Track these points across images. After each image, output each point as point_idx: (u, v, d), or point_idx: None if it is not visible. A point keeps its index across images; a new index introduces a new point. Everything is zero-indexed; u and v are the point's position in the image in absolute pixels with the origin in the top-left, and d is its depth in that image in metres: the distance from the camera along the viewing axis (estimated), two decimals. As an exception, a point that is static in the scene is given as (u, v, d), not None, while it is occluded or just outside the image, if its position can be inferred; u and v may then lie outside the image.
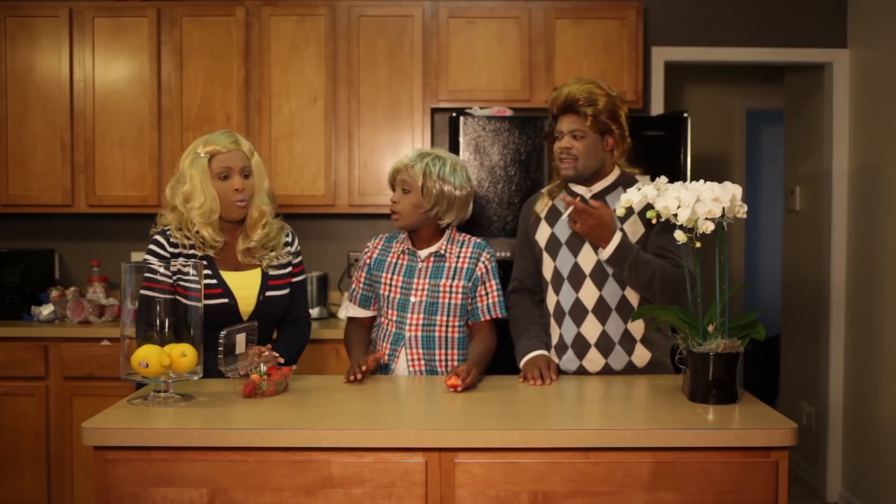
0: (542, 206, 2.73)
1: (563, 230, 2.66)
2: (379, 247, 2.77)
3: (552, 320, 2.69)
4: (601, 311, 2.61)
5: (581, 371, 2.64)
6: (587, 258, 2.62)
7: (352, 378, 2.45)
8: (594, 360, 2.62)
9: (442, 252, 2.69)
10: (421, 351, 2.66)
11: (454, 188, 2.65)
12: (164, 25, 4.14)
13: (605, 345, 2.62)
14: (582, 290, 2.62)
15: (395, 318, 2.69)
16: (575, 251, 2.64)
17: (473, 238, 2.75)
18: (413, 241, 2.73)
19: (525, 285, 2.78)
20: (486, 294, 2.70)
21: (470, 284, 2.68)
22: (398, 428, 1.97)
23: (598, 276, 2.61)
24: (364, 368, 2.45)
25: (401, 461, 1.95)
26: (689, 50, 4.47)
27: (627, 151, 2.66)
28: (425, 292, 2.66)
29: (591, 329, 2.62)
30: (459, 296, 2.67)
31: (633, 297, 2.63)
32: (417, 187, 2.63)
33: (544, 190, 2.79)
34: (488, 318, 2.70)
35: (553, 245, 2.67)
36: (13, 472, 3.91)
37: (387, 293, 2.70)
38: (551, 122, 2.68)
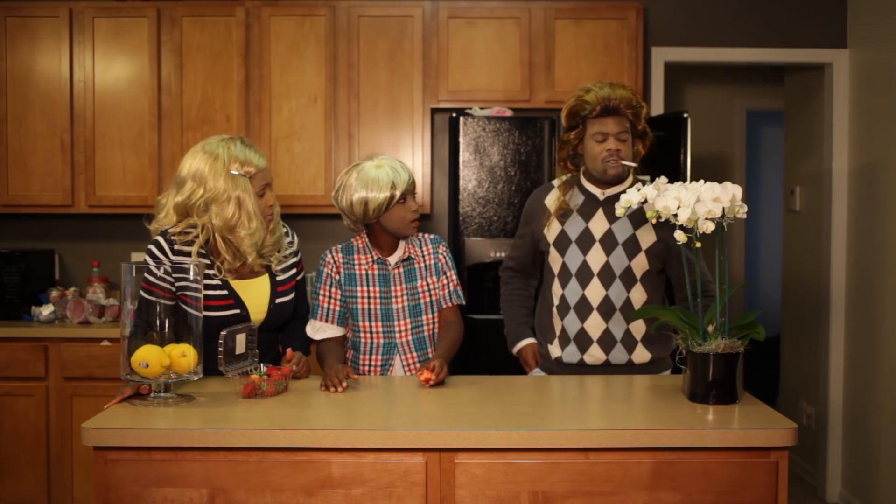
0: (553, 202, 2.76)
1: (573, 227, 2.71)
2: (341, 261, 2.70)
3: (555, 311, 2.74)
4: (605, 309, 2.67)
5: (581, 364, 2.69)
6: (596, 257, 2.68)
7: (332, 389, 2.33)
8: (595, 355, 2.69)
9: (412, 256, 2.72)
10: (415, 354, 2.68)
11: None
12: (164, 26, 4.14)
13: (607, 342, 2.68)
14: (588, 287, 2.68)
15: (380, 329, 2.67)
16: (584, 249, 2.69)
17: (426, 235, 2.80)
18: (379, 249, 2.71)
19: (522, 268, 2.93)
20: (448, 283, 2.74)
21: (439, 279, 2.74)
22: (398, 428, 1.97)
23: (606, 276, 2.67)
24: (345, 385, 2.34)
25: (401, 461, 1.95)
26: (689, 50, 4.47)
27: (647, 148, 2.75)
28: (405, 297, 2.68)
29: (595, 326, 2.68)
30: (437, 291, 2.73)
31: (637, 299, 2.66)
32: (420, 192, 2.71)
33: (554, 183, 2.81)
34: (450, 304, 2.74)
35: (563, 241, 2.71)
36: (13, 472, 3.91)
37: (366, 306, 2.67)
38: (577, 124, 2.67)
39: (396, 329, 2.67)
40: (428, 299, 2.70)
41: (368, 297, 2.67)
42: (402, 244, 2.72)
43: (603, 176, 2.66)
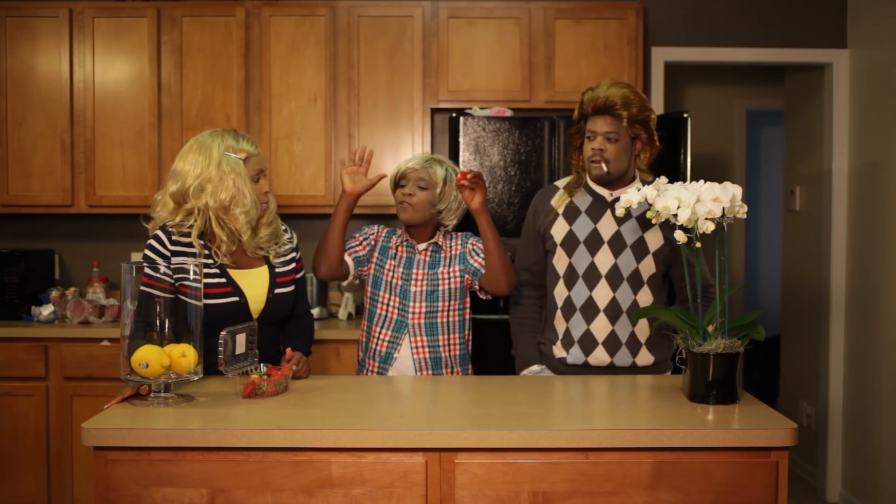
0: (559, 202, 2.76)
1: (581, 228, 2.70)
2: (382, 234, 2.89)
3: (559, 313, 2.72)
4: (612, 311, 2.66)
5: (586, 366, 2.69)
6: (604, 259, 2.67)
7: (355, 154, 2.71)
8: (600, 357, 2.68)
9: (439, 243, 2.83)
10: (425, 338, 2.76)
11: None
12: (164, 26, 4.14)
13: (612, 344, 2.67)
14: (596, 289, 2.67)
15: (397, 304, 2.79)
16: (593, 251, 2.68)
17: (459, 233, 2.89)
18: (410, 235, 2.85)
19: (536, 279, 2.83)
20: (482, 256, 2.77)
21: (464, 267, 2.80)
22: (398, 428, 1.97)
23: (614, 278, 2.66)
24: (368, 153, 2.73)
25: (401, 461, 1.95)
26: (689, 50, 4.47)
27: (655, 156, 2.71)
28: (424, 282, 2.78)
29: (601, 328, 2.67)
30: (457, 279, 2.80)
31: (643, 302, 2.66)
32: (436, 187, 2.78)
33: (559, 184, 2.82)
34: None
35: (570, 242, 2.70)
36: (13, 472, 3.91)
37: (389, 278, 2.80)
38: (579, 121, 2.71)
39: (410, 309, 2.77)
40: (446, 286, 2.78)
41: (393, 272, 2.81)
42: (436, 236, 2.84)
43: (589, 175, 2.69)
